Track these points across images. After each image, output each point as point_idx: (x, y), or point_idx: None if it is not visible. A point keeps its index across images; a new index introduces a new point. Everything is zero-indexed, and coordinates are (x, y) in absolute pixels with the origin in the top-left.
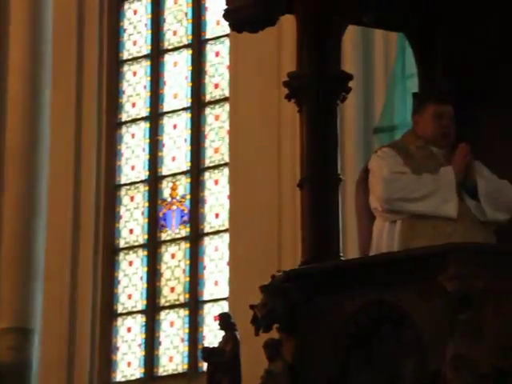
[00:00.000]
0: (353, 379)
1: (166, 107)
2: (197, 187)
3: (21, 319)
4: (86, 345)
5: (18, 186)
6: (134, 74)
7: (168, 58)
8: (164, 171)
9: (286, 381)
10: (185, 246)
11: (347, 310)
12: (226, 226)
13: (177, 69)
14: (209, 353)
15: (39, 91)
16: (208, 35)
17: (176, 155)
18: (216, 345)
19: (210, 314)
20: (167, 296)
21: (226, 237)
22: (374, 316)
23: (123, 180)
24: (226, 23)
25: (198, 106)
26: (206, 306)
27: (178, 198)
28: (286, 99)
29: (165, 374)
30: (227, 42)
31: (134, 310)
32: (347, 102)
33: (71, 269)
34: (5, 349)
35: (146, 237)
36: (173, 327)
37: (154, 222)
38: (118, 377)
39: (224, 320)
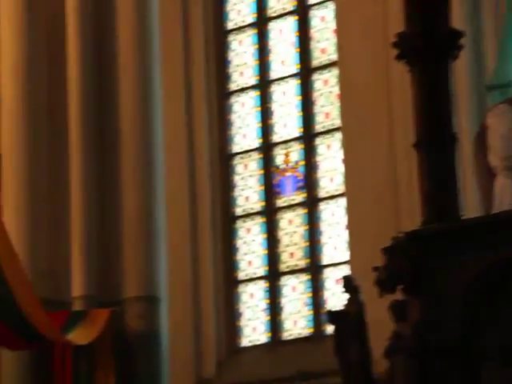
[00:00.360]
0: (481, 338)
1: (274, 75)
2: (310, 153)
3: (147, 288)
4: (210, 312)
5: (135, 163)
6: (240, 43)
7: (273, 26)
8: (275, 138)
9: (414, 341)
10: (301, 211)
11: (473, 270)
12: (341, 190)
13: (282, 36)
14: (334, 316)
15: (148, 70)
16: (312, 0)
17: (287, 122)
18: (340, 308)
19: (330, 279)
20: (287, 262)
21: (342, 201)
22: (501, 274)
23: (236, 149)
24: None
25: (306, 71)
26: (326, 271)
27: (291, 164)
28: (395, 60)
29: (290, 338)
30: (331, 5)
31: (255, 276)
32: (458, 60)
33: (191, 239)
34: (134, 317)
35: (262, 204)
36: (295, 292)
37: (270, 189)
38: (244, 342)
39: (348, 282)
